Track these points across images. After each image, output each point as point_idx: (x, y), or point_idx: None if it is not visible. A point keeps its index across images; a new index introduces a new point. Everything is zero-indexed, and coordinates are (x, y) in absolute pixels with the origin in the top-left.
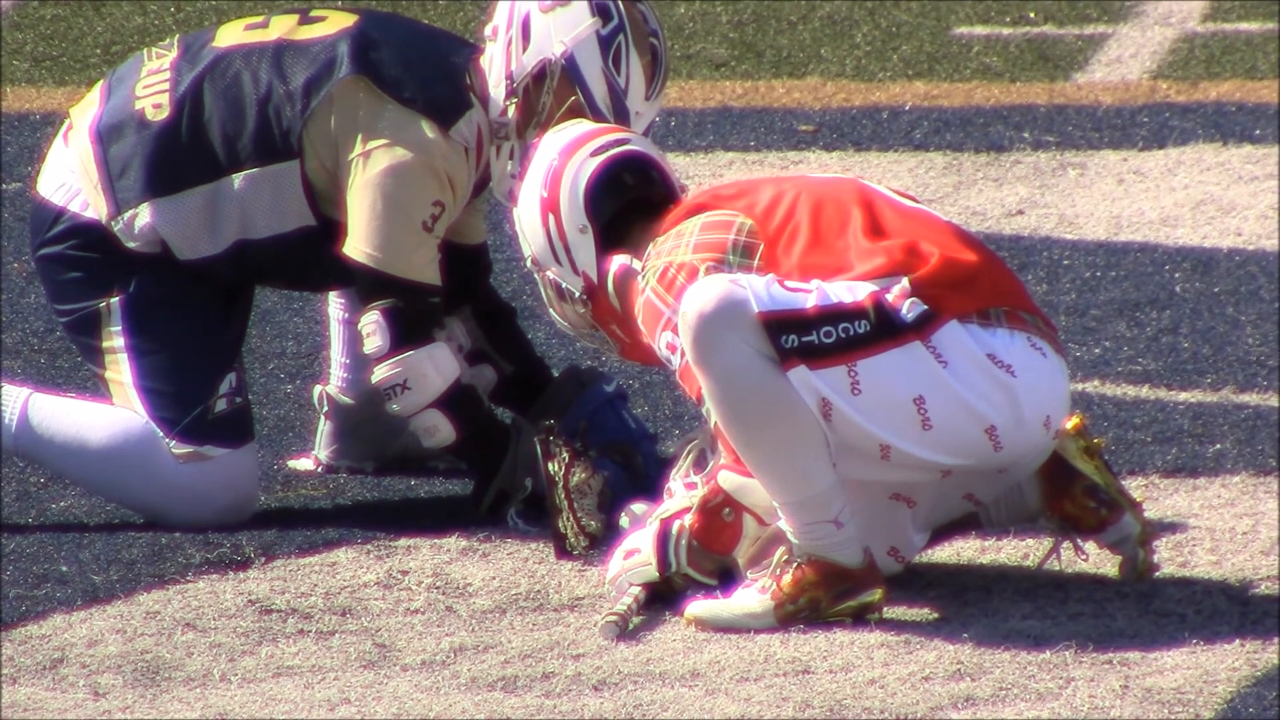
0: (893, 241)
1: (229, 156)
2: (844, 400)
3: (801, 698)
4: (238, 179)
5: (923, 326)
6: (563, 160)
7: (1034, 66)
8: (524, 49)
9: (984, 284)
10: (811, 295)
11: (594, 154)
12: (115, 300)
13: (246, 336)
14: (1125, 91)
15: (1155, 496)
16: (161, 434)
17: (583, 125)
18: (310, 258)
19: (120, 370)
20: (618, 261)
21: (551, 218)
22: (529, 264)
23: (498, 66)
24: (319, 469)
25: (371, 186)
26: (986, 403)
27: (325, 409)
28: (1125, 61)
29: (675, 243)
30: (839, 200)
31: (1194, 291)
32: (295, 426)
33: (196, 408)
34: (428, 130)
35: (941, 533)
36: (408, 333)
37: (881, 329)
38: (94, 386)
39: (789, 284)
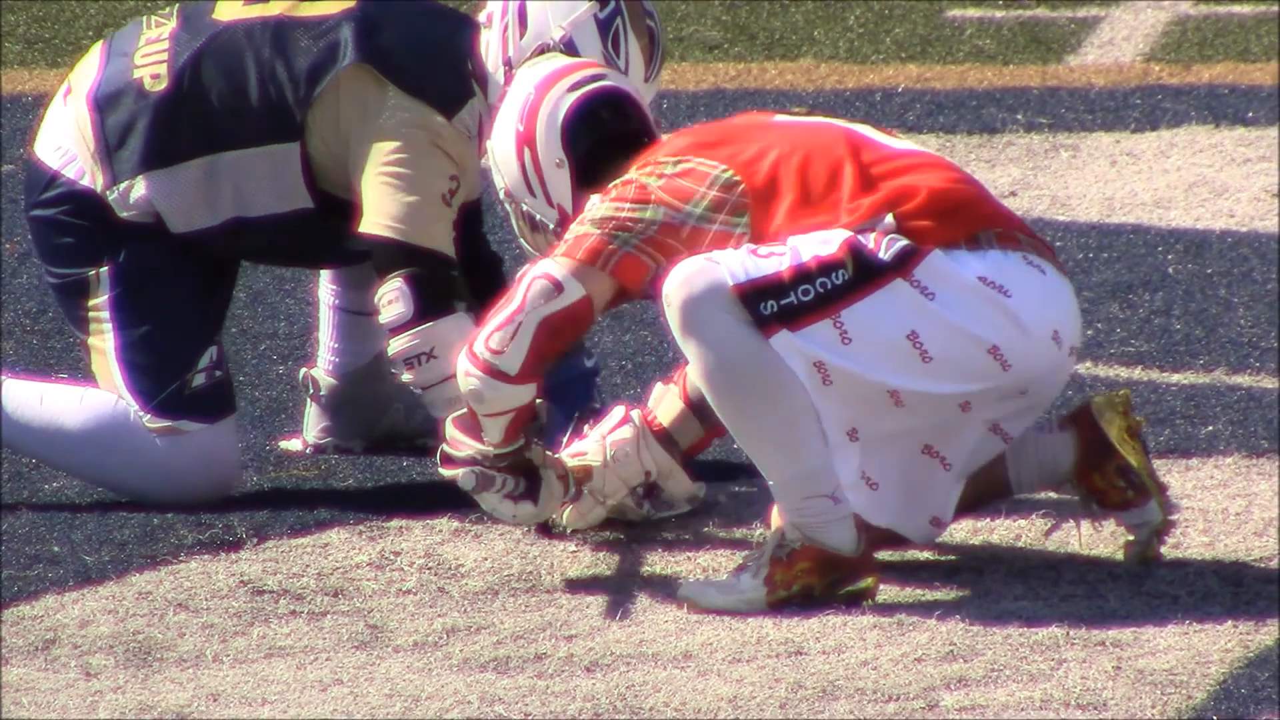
0: (879, 194)
1: (228, 133)
2: (836, 354)
3: (794, 679)
4: (236, 156)
5: (903, 263)
6: (539, 95)
7: (1027, 49)
8: (521, 34)
9: (973, 211)
10: (785, 256)
11: (571, 89)
12: (104, 269)
13: (239, 318)
14: (1118, 74)
15: None
16: (137, 407)
17: (558, 60)
18: (305, 235)
19: (104, 339)
20: (596, 198)
21: (527, 151)
22: (501, 195)
23: (494, 52)
24: (307, 450)
25: (388, 166)
26: (983, 325)
27: (311, 391)
28: (1118, 44)
29: (654, 169)
30: (828, 152)
31: (1187, 273)
32: (287, 408)
33: (174, 382)
34: (434, 116)
35: (972, 504)
36: (432, 303)
37: (860, 275)
38: (85, 369)
39: (762, 250)
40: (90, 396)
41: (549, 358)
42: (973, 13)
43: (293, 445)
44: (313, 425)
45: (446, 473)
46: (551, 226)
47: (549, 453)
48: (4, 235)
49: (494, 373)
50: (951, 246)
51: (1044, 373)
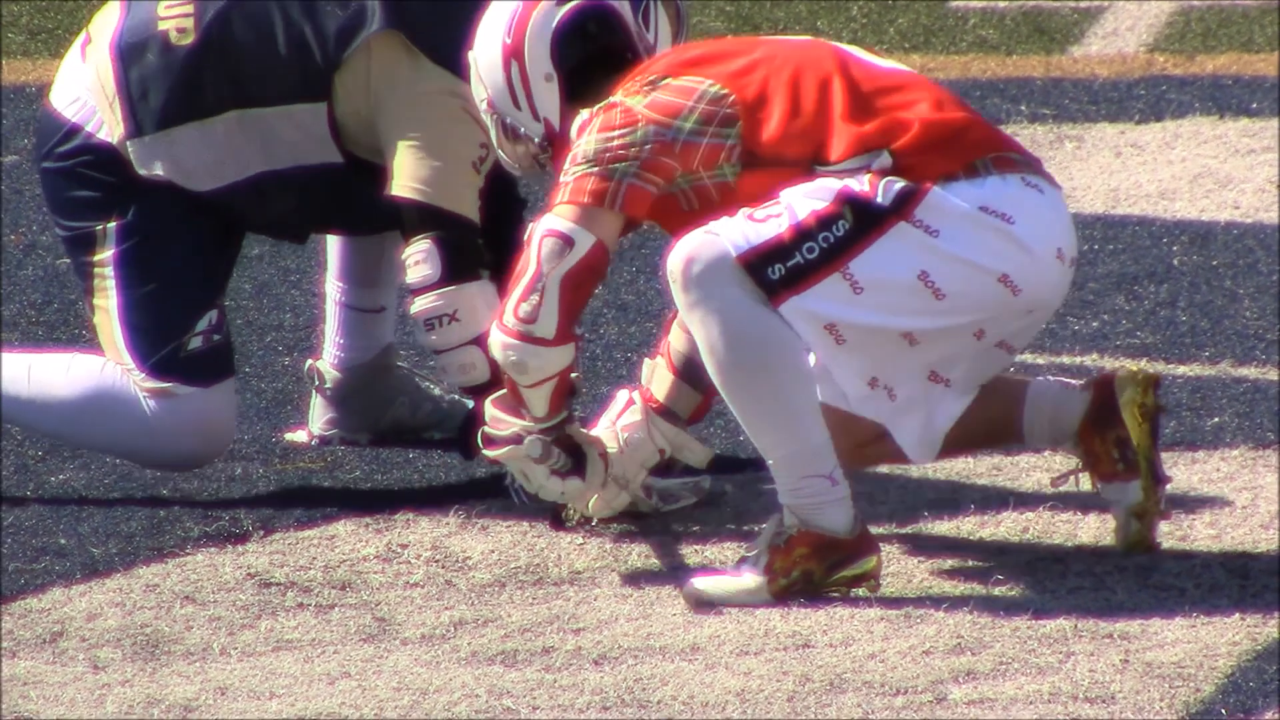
0: (871, 126)
1: (255, 90)
2: (848, 309)
3: (801, 671)
4: (262, 113)
5: (903, 205)
6: (527, 7)
7: (1030, 39)
8: None
9: (968, 138)
10: (783, 217)
11: (559, 3)
12: (112, 225)
13: (245, 309)
14: (1122, 64)
15: None
16: (133, 366)
17: None
18: (329, 193)
19: (107, 296)
20: (585, 114)
21: (515, 64)
22: (482, 107)
23: None
24: (313, 441)
25: (420, 131)
26: (991, 255)
27: (316, 383)
28: (1122, 34)
29: (639, 88)
30: (817, 67)
31: (1192, 265)
32: (293, 399)
33: (170, 344)
34: (464, 85)
35: (983, 443)
36: (459, 266)
37: (861, 223)
38: (87, 326)
39: (759, 214)
40: (78, 364)
41: (579, 311)
42: (976, 3)
43: (298, 437)
44: (318, 417)
45: (490, 454)
46: (537, 140)
47: (583, 430)
48: (8, 226)
49: (531, 339)
50: (950, 179)
51: (1052, 292)
